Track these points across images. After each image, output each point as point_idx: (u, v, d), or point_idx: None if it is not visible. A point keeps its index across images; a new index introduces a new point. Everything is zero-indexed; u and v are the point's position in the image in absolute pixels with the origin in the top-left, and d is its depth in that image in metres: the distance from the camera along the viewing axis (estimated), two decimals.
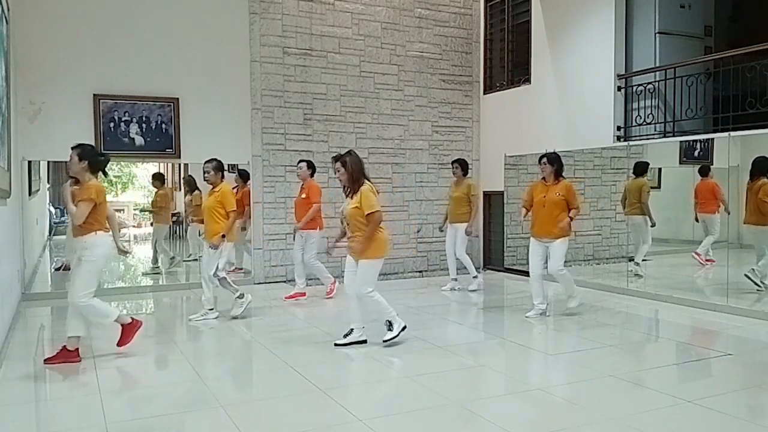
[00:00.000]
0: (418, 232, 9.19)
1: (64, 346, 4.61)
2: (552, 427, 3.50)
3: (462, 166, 7.59)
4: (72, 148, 4.65)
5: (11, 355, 4.90)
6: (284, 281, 8.32)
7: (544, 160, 6.07)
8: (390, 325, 5.07)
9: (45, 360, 4.61)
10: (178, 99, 7.77)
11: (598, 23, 7.68)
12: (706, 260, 7.96)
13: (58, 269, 8.83)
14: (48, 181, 8.99)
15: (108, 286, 8.62)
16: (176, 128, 7.79)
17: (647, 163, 7.70)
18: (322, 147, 8.53)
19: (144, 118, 7.67)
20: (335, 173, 5.11)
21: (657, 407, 3.65)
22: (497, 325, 6.44)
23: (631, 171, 7.75)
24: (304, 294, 7.16)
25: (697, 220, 8.01)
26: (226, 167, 8.58)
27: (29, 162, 7.32)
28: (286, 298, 7.13)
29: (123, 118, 7.58)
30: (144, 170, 10.95)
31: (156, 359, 4.94)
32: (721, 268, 6.71)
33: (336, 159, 5.07)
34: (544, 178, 6.11)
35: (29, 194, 7.51)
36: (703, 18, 7.65)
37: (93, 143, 7.35)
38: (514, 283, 8.36)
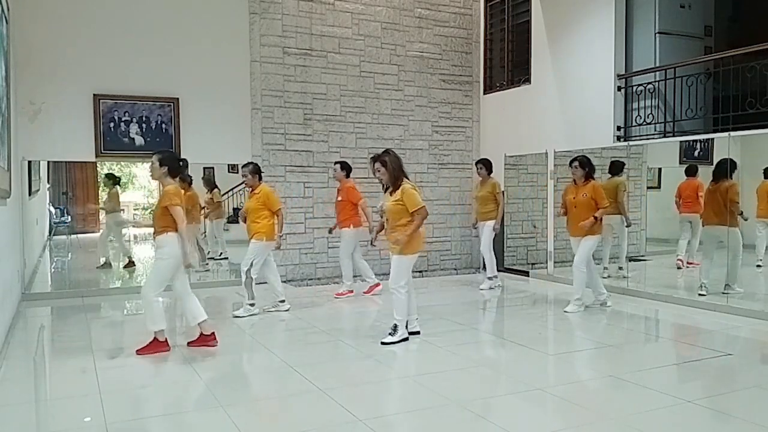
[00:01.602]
0: None
1: (201, 332, 4.97)
2: (552, 427, 3.50)
3: (486, 165, 7.68)
4: (153, 154, 4.93)
5: (11, 355, 4.89)
6: (284, 281, 8.29)
7: (575, 163, 6.32)
8: (394, 330, 5.11)
9: (188, 342, 4.99)
10: (178, 99, 7.77)
11: (598, 23, 7.68)
12: (688, 263, 7.98)
13: (100, 267, 8.98)
14: (48, 181, 8.99)
15: (107, 286, 8.68)
16: (176, 128, 7.79)
17: (623, 163, 7.69)
18: (322, 147, 8.53)
19: (144, 118, 7.67)
20: (375, 173, 5.20)
21: (657, 407, 3.65)
22: (497, 325, 6.45)
23: (608, 170, 7.78)
24: (378, 284, 7.36)
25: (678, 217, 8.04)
26: (227, 168, 8.70)
27: (29, 162, 7.33)
28: (364, 292, 7.37)
29: (123, 118, 7.58)
30: (144, 170, 10.95)
31: (156, 359, 4.93)
32: (721, 269, 6.71)
33: (375, 159, 5.18)
34: (575, 180, 6.34)
35: (29, 194, 7.51)
36: (703, 18, 7.64)
37: (93, 143, 7.42)
38: (514, 283, 8.36)
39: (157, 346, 4.85)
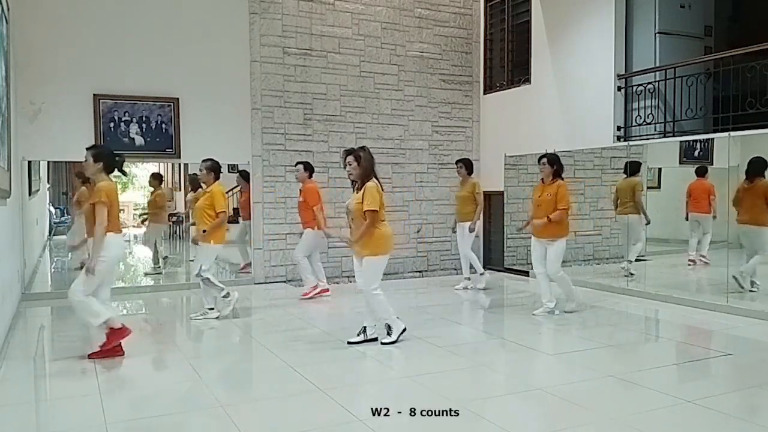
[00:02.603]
0: (418, 232, 9.20)
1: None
2: (552, 427, 3.50)
3: (466, 165, 7.62)
4: (87, 149, 4.72)
5: (11, 355, 4.89)
6: (284, 281, 8.32)
7: (544, 160, 6.14)
8: (389, 329, 5.08)
9: (89, 355, 4.66)
10: (178, 99, 7.77)
11: (598, 23, 7.68)
12: (690, 260, 8.00)
13: (77, 269, 8.92)
14: (48, 181, 8.98)
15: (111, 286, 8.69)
16: (176, 128, 7.79)
17: (639, 163, 7.72)
18: (322, 147, 8.53)
19: (144, 118, 7.67)
20: (345, 166, 5.01)
21: (657, 407, 3.65)
22: (497, 325, 6.44)
23: (623, 170, 7.79)
24: (327, 290, 7.26)
25: (687, 219, 8.06)
26: (226, 167, 8.67)
27: (29, 162, 7.32)
28: (303, 296, 7.14)
29: (123, 118, 7.58)
30: (144, 170, 10.94)
31: (156, 359, 4.94)
32: (721, 268, 6.71)
33: (348, 152, 4.99)
34: (542, 179, 6.20)
35: (29, 194, 7.51)
36: (703, 18, 7.65)
37: (93, 143, 7.40)
38: (514, 283, 8.36)
39: (115, 335, 4.64)
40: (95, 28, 7.41)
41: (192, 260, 8.88)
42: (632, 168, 7.74)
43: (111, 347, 4.65)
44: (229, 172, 8.78)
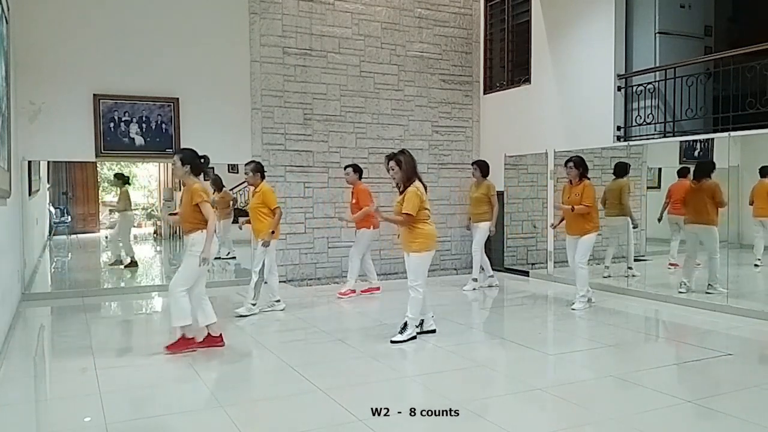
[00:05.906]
0: None
1: (208, 333, 4.99)
2: (552, 427, 3.50)
3: (481, 167, 7.76)
4: (175, 153, 5.10)
5: (11, 355, 4.89)
6: (284, 281, 8.31)
7: (570, 164, 6.50)
8: (404, 327, 5.20)
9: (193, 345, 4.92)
10: (178, 99, 7.77)
11: (598, 23, 7.68)
12: (671, 263, 7.99)
13: (112, 264, 9.39)
14: (48, 181, 8.99)
15: (107, 286, 8.69)
16: (176, 128, 7.79)
17: (628, 164, 7.68)
18: (322, 147, 8.53)
19: (144, 118, 7.67)
20: (389, 171, 5.25)
21: (657, 407, 3.65)
22: (497, 325, 6.45)
23: (612, 172, 7.76)
24: (378, 288, 7.53)
25: (659, 220, 8.08)
26: (227, 167, 8.71)
27: (29, 162, 7.32)
28: (361, 291, 7.41)
29: (123, 118, 7.58)
30: (144, 170, 10.96)
31: (156, 359, 4.94)
32: (721, 268, 6.70)
33: (390, 158, 5.23)
34: (570, 181, 6.54)
35: (29, 194, 7.52)
36: (703, 18, 7.65)
37: (93, 143, 7.42)
38: (515, 283, 8.35)
39: (185, 343, 4.90)
40: (95, 28, 7.40)
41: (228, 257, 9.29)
42: (620, 170, 7.67)
43: (179, 349, 4.86)
44: (228, 172, 8.82)
